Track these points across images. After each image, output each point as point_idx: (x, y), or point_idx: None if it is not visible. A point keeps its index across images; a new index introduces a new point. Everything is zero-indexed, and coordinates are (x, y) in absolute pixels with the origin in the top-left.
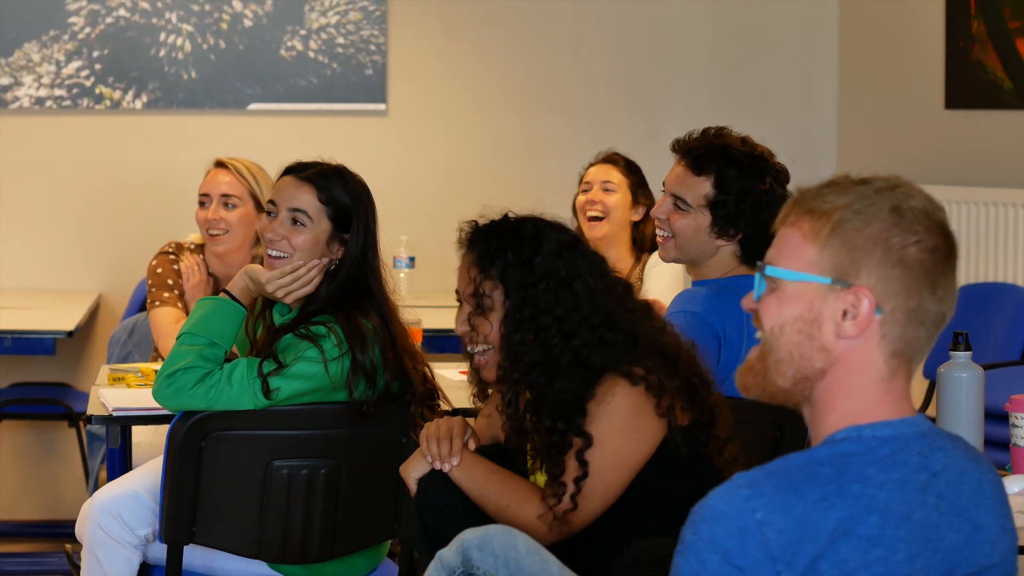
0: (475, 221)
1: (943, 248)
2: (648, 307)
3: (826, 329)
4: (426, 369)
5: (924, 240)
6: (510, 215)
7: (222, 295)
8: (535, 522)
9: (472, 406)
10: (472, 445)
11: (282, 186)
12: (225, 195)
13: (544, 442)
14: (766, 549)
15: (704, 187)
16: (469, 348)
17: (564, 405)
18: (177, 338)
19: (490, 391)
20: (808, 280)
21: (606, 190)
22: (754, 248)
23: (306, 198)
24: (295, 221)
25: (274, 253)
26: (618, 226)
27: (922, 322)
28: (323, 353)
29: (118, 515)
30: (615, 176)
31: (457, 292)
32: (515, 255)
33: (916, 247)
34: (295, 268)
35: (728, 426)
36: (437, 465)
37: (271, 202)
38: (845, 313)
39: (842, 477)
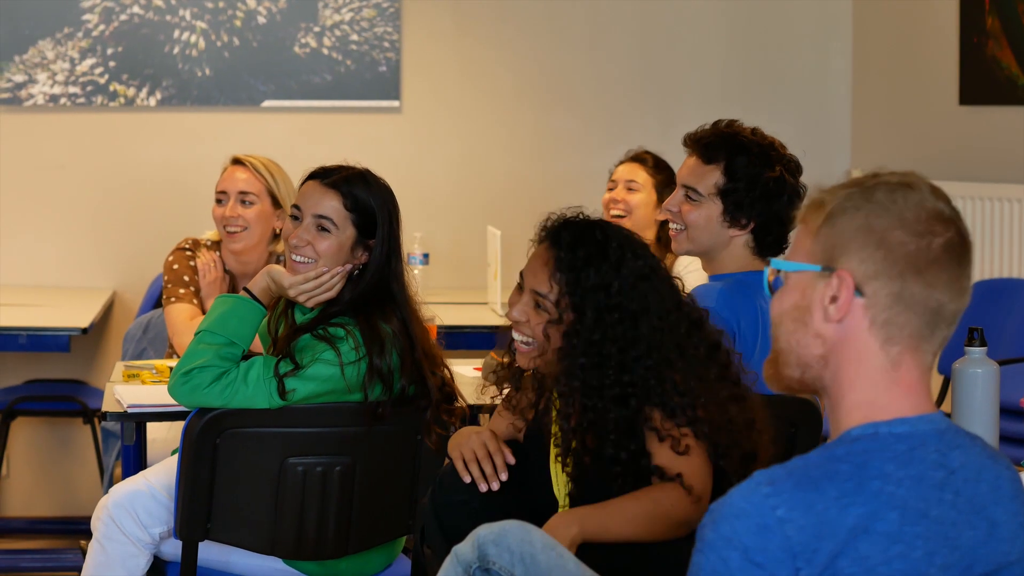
0: (565, 217)
1: (937, 234)
2: (717, 343)
3: (816, 315)
4: (445, 371)
5: (912, 225)
6: (599, 224)
7: (242, 293)
8: (690, 506)
9: (488, 402)
10: (510, 459)
11: (307, 192)
12: (243, 192)
13: (607, 463)
14: (787, 546)
15: (714, 175)
16: (515, 334)
17: (617, 432)
18: (195, 335)
19: (506, 389)
20: (803, 269)
21: (629, 189)
22: (766, 239)
23: (331, 205)
24: (320, 228)
25: (298, 259)
26: (641, 225)
27: (911, 308)
28: (340, 356)
29: (134, 512)
30: (640, 176)
31: (521, 276)
32: (596, 276)
33: (901, 231)
34: (319, 274)
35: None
36: (483, 487)
37: (295, 207)
38: (834, 299)
39: (862, 474)
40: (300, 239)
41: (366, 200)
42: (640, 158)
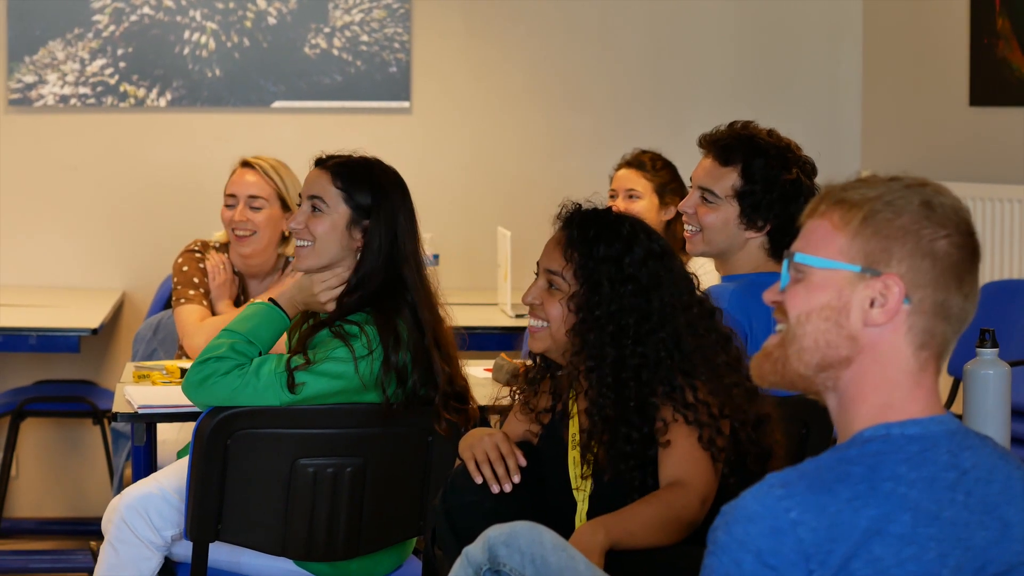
0: (579, 204)
1: (969, 246)
2: (727, 337)
3: (854, 317)
4: (462, 376)
5: (953, 236)
6: (613, 209)
7: (269, 302)
8: (698, 508)
9: (493, 403)
10: (521, 460)
11: (307, 178)
12: (252, 196)
13: (617, 442)
14: (800, 548)
15: (731, 177)
16: (529, 319)
17: (631, 411)
18: (219, 334)
19: (518, 392)
20: (838, 268)
21: (630, 198)
22: (782, 240)
23: (321, 184)
24: (313, 208)
25: (300, 243)
26: None
27: (947, 317)
28: (353, 353)
29: (146, 514)
30: (639, 183)
31: (538, 264)
32: (606, 249)
33: (946, 241)
34: (335, 274)
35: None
36: (495, 488)
37: (300, 195)
38: (873, 301)
39: (874, 476)
40: (297, 222)
41: (360, 179)
42: (637, 162)
